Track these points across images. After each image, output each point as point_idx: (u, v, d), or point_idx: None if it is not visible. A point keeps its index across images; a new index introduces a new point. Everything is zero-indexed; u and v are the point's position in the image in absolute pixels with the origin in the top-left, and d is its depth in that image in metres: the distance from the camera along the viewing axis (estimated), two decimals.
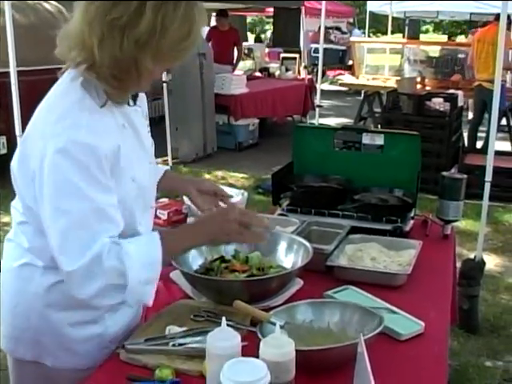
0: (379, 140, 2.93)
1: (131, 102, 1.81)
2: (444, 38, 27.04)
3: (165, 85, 8.11)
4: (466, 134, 8.66)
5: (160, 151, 8.74)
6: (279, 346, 1.48)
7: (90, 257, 1.58)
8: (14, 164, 1.74)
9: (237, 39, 10.88)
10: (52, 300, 1.78)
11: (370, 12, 15.06)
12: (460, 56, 11.18)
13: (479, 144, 8.67)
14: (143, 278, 1.66)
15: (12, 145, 6.08)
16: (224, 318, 1.54)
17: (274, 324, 1.72)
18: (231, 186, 7.12)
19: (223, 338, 1.49)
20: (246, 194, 3.94)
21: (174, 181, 2.25)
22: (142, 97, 1.92)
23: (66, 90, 1.68)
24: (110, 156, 1.63)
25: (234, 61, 11.01)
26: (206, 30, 11.70)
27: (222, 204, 2.17)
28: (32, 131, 1.71)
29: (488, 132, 8.05)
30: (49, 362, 1.83)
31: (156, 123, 10.64)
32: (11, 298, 1.84)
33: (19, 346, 1.86)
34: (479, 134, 8.71)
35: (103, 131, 1.63)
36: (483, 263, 4.10)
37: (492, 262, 5.23)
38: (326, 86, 16.09)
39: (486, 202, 4.02)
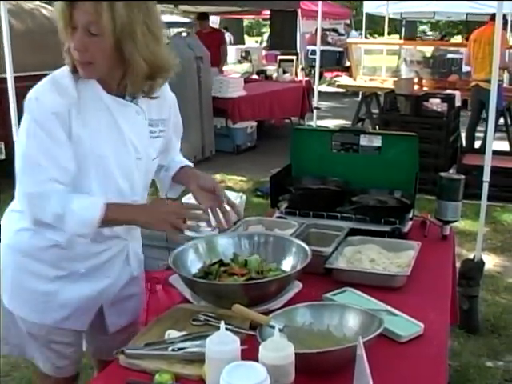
0: (377, 141, 2.93)
1: (128, 98, 1.99)
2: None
3: None
4: (464, 134, 8.67)
5: None
6: (279, 349, 1.47)
7: (43, 191, 1.84)
8: None
9: (220, 40, 10.86)
10: (18, 243, 2.03)
11: (366, 13, 15.10)
12: (456, 56, 11.20)
13: (477, 144, 8.67)
14: (78, 232, 1.89)
15: (10, 150, 6.08)
16: (223, 322, 1.54)
17: (274, 327, 1.72)
18: (229, 188, 7.11)
19: (222, 342, 1.49)
20: (244, 197, 3.94)
21: (181, 176, 2.33)
22: (163, 107, 2.17)
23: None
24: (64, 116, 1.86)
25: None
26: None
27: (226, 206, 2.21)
28: None
29: (486, 132, 8.10)
30: (21, 313, 2.07)
31: None
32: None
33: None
34: (477, 134, 8.70)
35: (64, 94, 1.87)
36: (482, 263, 4.09)
37: (491, 261, 5.22)
38: (324, 88, 16.09)
39: (484, 202, 4.02)
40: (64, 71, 1.92)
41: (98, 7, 1.74)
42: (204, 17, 10.91)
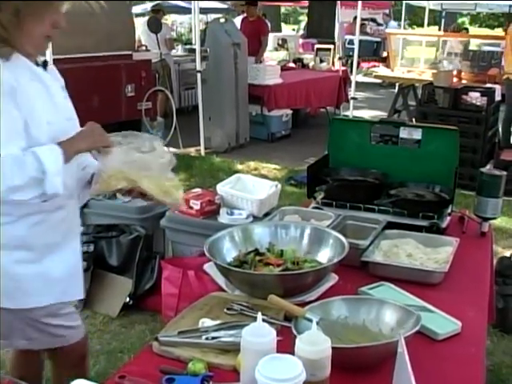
0: (417, 134, 2.88)
1: (40, 66, 2.09)
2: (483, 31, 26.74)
3: (198, 74, 8.11)
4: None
5: (193, 140, 8.82)
6: (315, 343, 1.45)
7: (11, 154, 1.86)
8: None
9: (263, 30, 10.73)
10: (1, 240, 2.02)
11: (406, 4, 14.87)
12: (496, 49, 11.02)
13: None
14: (56, 168, 1.91)
15: None
16: (260, 314, 1.52)
17: (309, 320, 1.70)
18: (263, 176, 7.09)
19: (259, 333, 1.47)
20: (279, 185, 3.91)
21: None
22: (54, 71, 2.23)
23: None
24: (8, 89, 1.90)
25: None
26: (239, 19, 11.67)
27: None
28: None
29: None
30: (9, 304, 2.07)
31: (189, 113, 10.70)
32: None
33: None
34: None
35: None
36: None
37: None
38: (360, 78, 15.93)
39: None
40: None
41: None
42: (253, 3, 10.78)
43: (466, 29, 17.74)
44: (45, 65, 2.12)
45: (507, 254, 4.28)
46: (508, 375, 3.53)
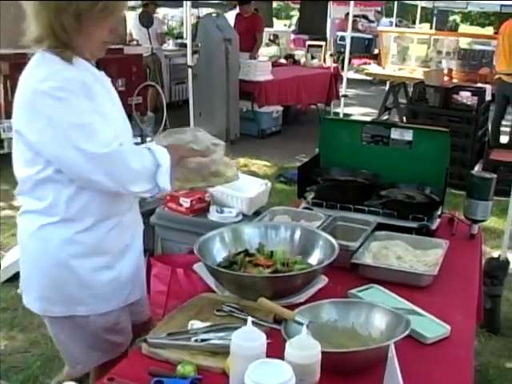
0: (408, 135, 2.89)
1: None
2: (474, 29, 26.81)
3: (189, 69, 8.08)
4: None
5: None
6: (305, 347, 1.45)
7: (119, 144, 1.90)
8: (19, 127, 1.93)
9: (257, 26, 10.70)
10: (75, 250, 2.01)
11: (398, 1, 14.89)
12: (487, 48, 11.04)
13: (502, 139, 8.57)
14: (167, 166, 1.96)
15: None
16: (250, 318, 1.52)
17: (299, 323, 1.70)
18: (253, 173, 7.08)
19: (249, 338, 1.47)
20: (269, 184, 3.90)
21: None
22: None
23: (41, 60, 1.93)
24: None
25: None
26: (231, 14, 11.63)
27: None
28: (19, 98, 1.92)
29: None
30: (79, 312, 2.07)
31: (179, 107, 10.66)
32: (35, 261, 2.06)
33: (51, 304, 2.08)
34: (502, 129, 8.60)
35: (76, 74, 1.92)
36: (508, 263, 4.03)
37: None
38: (351, 75, 15.89)
39: None
40: (56, 59, 1.92)
41: None
42: (246, 1, 10.76)
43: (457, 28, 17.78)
44: (98, 68, 2.12)
45: (495, 254, 4.29)
46: (495, 375, 3.55)
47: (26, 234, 2.05)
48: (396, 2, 14.78)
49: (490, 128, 8.39)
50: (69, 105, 1.84)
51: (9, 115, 6.69)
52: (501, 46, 8.15)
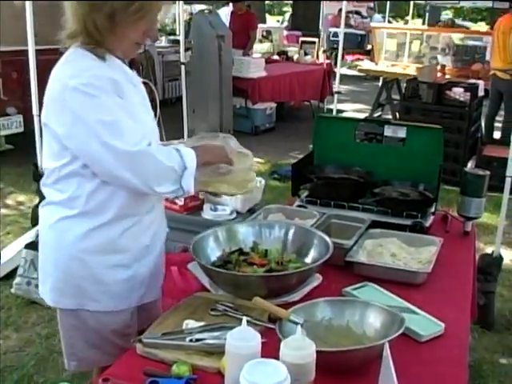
0: (401, 133, 2.89)
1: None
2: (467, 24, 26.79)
3: (183, 66, 8.06)
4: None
5: (176, 133, 8.76)
6: (300, 347, 1.45)
7: (148, 144, 1.90)
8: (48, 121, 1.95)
9: (251, 24, 10.69)
10: (90, 245, 2.01)
11: None
12: (480, 44, 11.04)
13: (495, 134, 8.59)
14: (193, 169, 1.96)
15: (28, 123, 6.07)
16: (245, 318, 1.52)
17: (294, 322, 1.70)
18: None
19: (244, 337, 1.47)
20: (263, 181, 3.90)
21: None
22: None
23: (73, 56, 1.95)
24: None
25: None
26: (228, 13, 11.60)
27: None
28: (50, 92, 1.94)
29: (507, 123, 8.01)
30: (90, 306, 2.07)
31: (173, 104, 10.64)
32: (52, 252, 2.08)
33: (63, 296, 2.09)
34: (495, 124, 8.61)
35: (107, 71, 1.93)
36: (501, 259, 4.04)
37: (509, 256, 5.15)
38: (344, 71, 15.89)
39: (506, 198, 3.96)
40: (89, 56, 1.93)
41: None
42: None
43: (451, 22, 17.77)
44: (130, 65, 2.13)
45: (489, 250, 4.30)
46: (489, 371, 3.56)
47: (46, 225, 2.08)
48: None
49: (483, 124, 8.41)
50: (97, 101, 1.85)
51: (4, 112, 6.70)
52: (495, 43, 8.16)
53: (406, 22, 16.51)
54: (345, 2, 7.12)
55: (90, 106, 1.84)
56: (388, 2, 14.63)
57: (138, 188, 1.92)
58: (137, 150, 1.86)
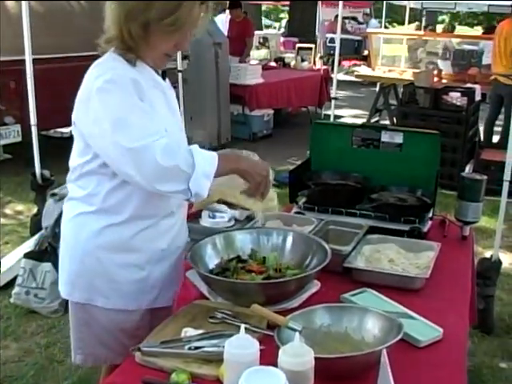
0: (398, 138, 2.90)
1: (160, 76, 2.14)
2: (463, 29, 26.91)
3: (180, 74, 8.07)
4: (481, 128, 8.58)
5: None
6: (298, 354, 1.45)
7: (153, 141, 1.86)
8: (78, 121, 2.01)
9: (248, 31, 10.73)
10: (103, 242, 2.07)
11: (387, 2, 14.91)
12: (476, 48, 11.08)
13: (495, 139, 8.60)
14: (206, 171, 1.90)
15: (26, 133, 6.06)
16: (243, 326, 1.52)
17: (292, 329, 1.70)
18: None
19: (242, 345, 1.47)
20: None
21: None
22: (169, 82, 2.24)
23: (104, 58, 2.02)
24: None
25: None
26: (226, 19, 11.64)
27: None
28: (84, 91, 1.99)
29: (506, 127, 8.01)
30: (100, 302, 2.11)
31: None
32: (69, 246, 2.15)
33: (75, 289, 2.15)
34: (495, 129, 8.63)
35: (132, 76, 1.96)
36: (500, 263, 4.05)
37: (507, 260, 5.15)
38: (341, 77, 15.94)
39: (504, 201, 3.97)
40: (119, 59, 1.99)
41: None
42: (235, 5, 10.75)
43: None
44: (163, 75, 2.17)
45: (487, 254, 4.31)
46: (488, 376, 3.56)
47: (66, 219, 2.15)
48: (385, 3, 14.78)
49: (482, 128, 8.43)
50: (111, 97, 1.89)
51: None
52: (497, 48, 8.16)
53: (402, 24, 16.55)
54: (341, 8, 7.11)
55: (105, 102, 1.89)
56: (384, 8, 14.69)
57: (142, 185, 1.92)
58: (140, 145, 1.85)
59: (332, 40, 15.40)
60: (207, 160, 1.92)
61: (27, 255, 4.14)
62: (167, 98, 2.14)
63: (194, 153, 1.91)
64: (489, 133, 8.63)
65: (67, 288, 2.18)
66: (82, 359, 2.25)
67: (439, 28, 19.76)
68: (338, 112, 10.03)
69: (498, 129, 8.57)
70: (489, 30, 11.42)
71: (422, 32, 14.76)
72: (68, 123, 2.15)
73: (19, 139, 6.83)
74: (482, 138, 8.42)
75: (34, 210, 5.11)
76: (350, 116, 11.46)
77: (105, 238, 2.06)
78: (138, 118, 1.89)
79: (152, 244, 2.12)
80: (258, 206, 2.24)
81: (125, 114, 1.88)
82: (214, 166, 1.92)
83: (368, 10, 21.17)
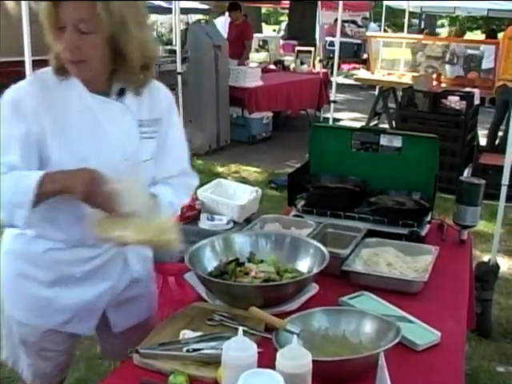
0: (397, 142, 2.90)
1: (113, 97, 1.94)
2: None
3: (179, 76, 8.09)
4: (483, 132, 8.58)
5: None
6: (296, 357, 1.45)
7: None
8: None
9: (247, 34, 10.73)
10: (17, 248, 2.03)
11: (386, 6, 14.93)
12: (476, 52, 11.09)
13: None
14: (15, 201, 1.72)
15: None
16: (241, 328, 1.52)
17: (290, 332, 1.71)
18: (244, 179, 7.10)
19: (240, 347, 1.48)
20: (259, 191, 3.91)
21: None
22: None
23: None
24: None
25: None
26: (226, 22, 11.65)
27: None
28: None
29: (506, 132, 8.02)
30: (6, 310, 2.08)
31: None
32: None
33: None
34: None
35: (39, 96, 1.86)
36: (498, 267, 4.06)
37: (506, 264, 5.16)
38: (340, 80, 15.95)
39: (502, 205, 3.98)
40: (46, 77, 1.91)
41: (92, 5, 1.71)
42: (235, 7, 10.77)
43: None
44: (120, 95, 1.96)
45: (485, 258, 4.32)
46: (486, 380, 3.57)
47: (8, 238, 2.09)
48: (384, 7, 14.79)
49: (481, 132, 8.42)
50: None
51: None
52: (504, 53, 8.13)
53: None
54: (340, 11, 7.12)
55: None
56: (383, 11, 14.71)
57: None
58: None
59: (331, 43, 15.43)
60: (19, 183, 1.74)
61: None
62: (99, 123, 1.91)
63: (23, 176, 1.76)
64: (493, 137, 8.64)
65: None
66: (5, 357, 2.20)
67: (443, 32, 19.76)
68: (337, 115, 10.04)
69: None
70: (491, 34, 11.42)
71: (421, 36, 14.77)
72: None
73: None
74: (481, 143, 8.42)
75: None
76: (349, 119, 11.46)
77: (20, 244, 2.01)
78: (7, 146, 1.78)
79: (64, 266, 1.99)
80: (146, 234, 1.82)
81: None
82: (32, 188, 1.72)
83: (367, 14, 21.19)
